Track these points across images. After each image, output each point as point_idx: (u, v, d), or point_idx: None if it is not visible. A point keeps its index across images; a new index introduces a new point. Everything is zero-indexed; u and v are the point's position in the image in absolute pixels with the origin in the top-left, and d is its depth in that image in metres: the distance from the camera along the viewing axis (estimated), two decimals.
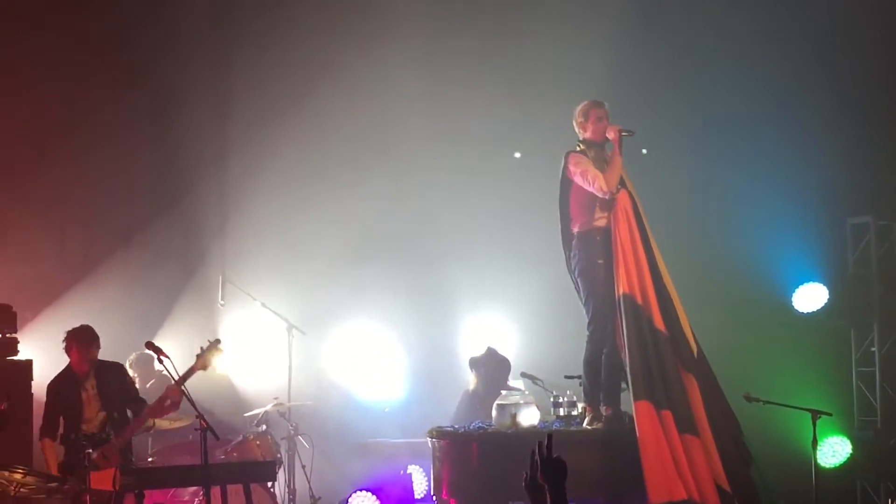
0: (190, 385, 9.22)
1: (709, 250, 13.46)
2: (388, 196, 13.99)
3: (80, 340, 10.05)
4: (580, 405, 10.26)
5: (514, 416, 9.85)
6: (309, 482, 12.41)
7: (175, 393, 9.59)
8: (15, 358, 11.12)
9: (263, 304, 13.04)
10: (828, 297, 13.67)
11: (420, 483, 12.30)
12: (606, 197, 9.80)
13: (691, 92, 13.73)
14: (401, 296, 13.97)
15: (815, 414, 9.88)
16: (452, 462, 9.77)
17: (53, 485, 9.15)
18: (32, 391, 10.96)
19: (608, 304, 9.86)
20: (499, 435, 9.77)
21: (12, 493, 8.96)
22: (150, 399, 10.32)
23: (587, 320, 9.97)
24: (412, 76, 13.68)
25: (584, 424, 9.95)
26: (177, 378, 9.20)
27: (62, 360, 10.21)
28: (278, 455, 12.05)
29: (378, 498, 11.71)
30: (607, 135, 9.93)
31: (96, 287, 13.07)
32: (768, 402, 10.08)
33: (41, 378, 10.81)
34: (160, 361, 9.16)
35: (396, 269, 13.94)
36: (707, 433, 9.64)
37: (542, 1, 14.06)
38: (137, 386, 11.94)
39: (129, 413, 10.12)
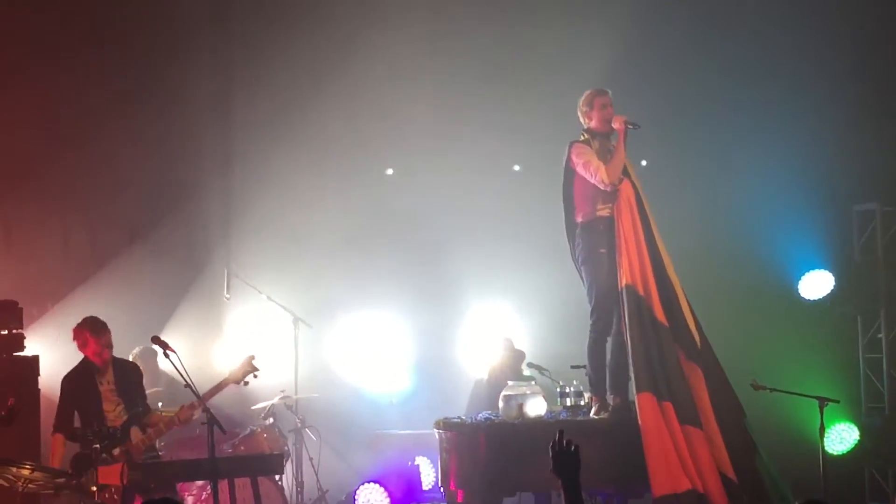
0: (196, 379, 9.17)
1: (714, 238, 13.46)
2: (394, 186, 14.00)
3: (93, 328, 9.97)
4: (587, 395, 10.25)
5: (520, 407, 9.83)
6: (317, 475, 12.43)
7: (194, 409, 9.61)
8: (21, 354, 11.10)
9: (269, 298, 13.04)
10: (834, 284, 13.66)
11: (427, 474, 12.31)
12: (608, 189, 9.78)
13: (697, 81, 13.70)
14: (406, 287, 13.97)
15: (823, 401, 9.88)
16: (460, 453, 9.76)
17: (61, 480, 9.15)
18: (39, 387, 10.93)
19: (611, 293, 9.85)
20: (506, 426, 9.76)
21: (20, 489, 8.96)
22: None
23: (590, 309, 9.96)
24: (418, 65, 13.67)
25: (591, 414, 9.94)
26: (184, 375, 9.13)
27: (68, 356, 10.21)
28: (286, 448, 12.06)
29: (386, 490, 11.72)
30: (613, 124, 9.89)
31: (102, 283, 13.07)
32: (775, 390, 10.09)
33: (47, 374, 10.81)
34: (166, 356, 9.14)
35: (402, 260, 13.94)
36: (712, 424, 9.62)
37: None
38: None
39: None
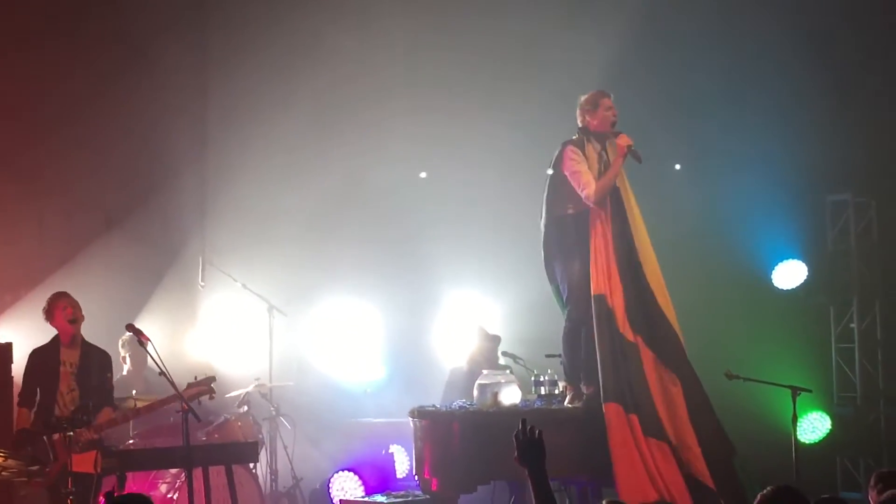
0: (170, 367, 9.15)
1: (688, 228, 13.48)
2: (369, 175, 13.95)
3: (56, 298, 9.91)
4: (561, 384, 10.28)
5: (495, 396, 9.86)
6: (291, 463, 12.43)
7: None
8: None
9: (244, 286, 13.01)
10: (807, 274, 13.74)
11: (402, 463, 12.33)
12: (590, 206, 9.78)
13: (668, 72, 13.71)
14: (381, 276, 13.98)
15: (795, 390, 9.92)
16: (434, 441, 9.77)
17: (35, 468, 9.13)
18: (13, 375, 10.88)
19: (584, 284, 9.86)
20: (480, 414, 9.77)
21: None
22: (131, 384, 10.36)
23: (564, 298, 9.98)
24: (390, 53, 13.66)
25: (565, 403, 9.97)
26: (159, 363, 9.10)
27: (41, 343, 10.15)
28: (260, 436, 12.05)
29: (360, 478, 11.72)
30: (618, 140, 9.82)
31: (77, 270, 12.99)
32: (748, 380, 10.12)
33: (21, 361, 10.77)
34: (141, 344, 9.12)
35: (377, 250, 13.94)
36: (687, 433, 9.60)
37: None
38: (129, 367, 11.96)
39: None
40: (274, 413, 12.49)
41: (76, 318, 9.88)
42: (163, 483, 10.99)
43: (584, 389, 9.96)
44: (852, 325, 13.85)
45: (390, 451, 12.37)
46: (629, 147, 9.74)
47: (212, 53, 13.74)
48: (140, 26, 13.34)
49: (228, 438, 11.42)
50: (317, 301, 13.94)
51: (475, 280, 14.12)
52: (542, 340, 11.25)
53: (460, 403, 10.22)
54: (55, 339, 9.93)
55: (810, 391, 10.33)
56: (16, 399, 10.33)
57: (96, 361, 10.00)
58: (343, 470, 11.82)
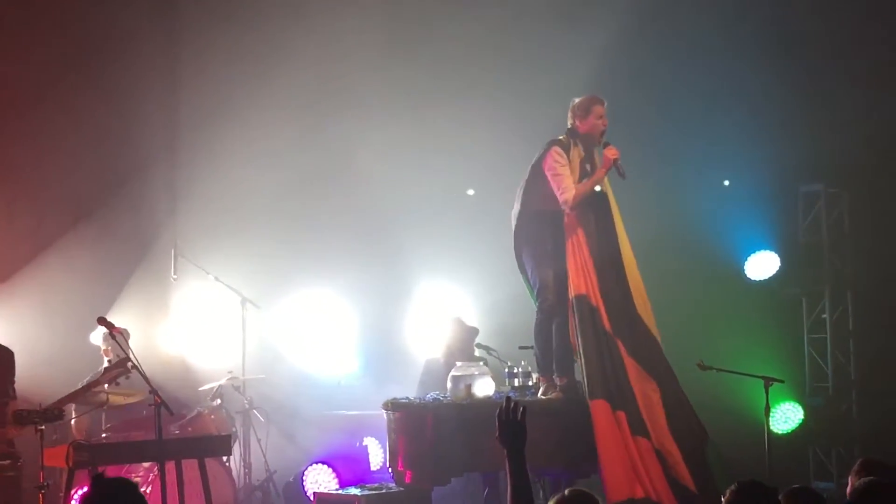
0: (143, 361, 9.13)
1: (661, 220, 13.49)
2: (343, 167, 13.93)
3: None
4: (535, 375, 10.30)
5: (468, 388, 9.86)
6: (264, 456, 12.41)
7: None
8: None
9: (216, 278, 12.97)
10: (779, 265, 13.79)
11: (376, 455, 12.33)
12: (565, 210, 9.80)
13: (640, 65, 13.71)
14: (354, 269, 13.95)
15: (768, 381, 9.96)
16: (408, 434, 9.77)
17: (6, 462, 9.09)
18: None
19: (557, 275, 9.88)
20: (454, 406, 9.77)
21: None
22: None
23: (536, 291, 10.00)
24: (363, 48, 13.61)
25: (539, 394, 9.99)
26: (129, 355, 9.08)
27: (12, 337, 10.10)
28: (233, 429, 12.03)
29: (334, 470, 11.71)
30: (606, 152, 9.83)
31: (48, 264, 12.95)
32: (721, 370, 10.15)
33: None
34: (112, 337, 9.11)
35: (349, 242, 13.92)
36: (665, 437, 9.62)
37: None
38: (109, 359, 11.89)
39: None
40: (247, 406, 12.46)
41: None
42: (136, 477, 10.93)
43: (557, 381, 9.99)
44: (824, 316, 13.91)
45: (364, 443, 12.36)
46: (615, 161, 9.76)
47: (183, 46, 13.67)
48: (110, 19, 13.28)
49: (202, 432, 11.40)
50: (290, 293, 13.91)
51: (448, 272, 14.12)
52: (515, 333, 11.26)
53: (434, 395, 10.24)
54: None
55: (783, 382, 10.37)
56: None
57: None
58: (317, 462, 11.80)
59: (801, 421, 13.63)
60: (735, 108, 13.68)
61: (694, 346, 10.95)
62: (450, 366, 11.05)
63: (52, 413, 9.17)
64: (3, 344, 9.87)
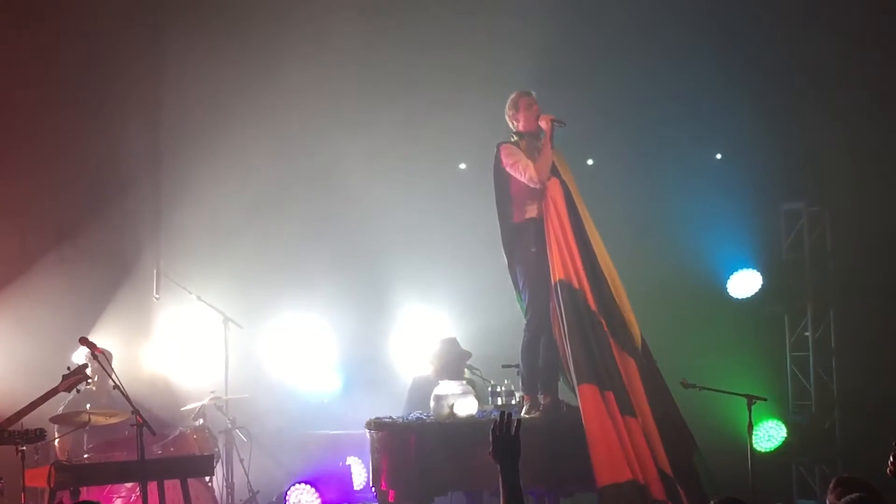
0: (125, 380, 9.11)
1: (643, 238, 13.53)
2: (325, 188, 13.93)
3: None
4: (518, 394, 10.30)
5: (451, 407, 9.86)
6: (247, 476, 12.37)
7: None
8: None
9: (199, 298, 12.94)
10: (762, 282, 13.82)
11: (359, 474, 12.29)
12: (537, 186, 9.87)
13: (622, 81, 13.75)
14: (337, 288, 13.92)
15: (751, 399, 9.99)
16: (391, 453, 9.76)
17: None
18: None
19: (544, 292, 9.93)
20: (437, 425, 9.78)
21: None
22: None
23: (525, 304, 10.02)
24: (346, 67, 13.62)
25: (522, 413, 9.99)
26: (112, 376, 9.05)
27: None
28: (216, 449, 11.98)
29: (317, 490, 11.69)
30: (540, 123, 10.01)
31: (30, 283, 12.92)
32: (704, 388, 10.18)
33: None
34: (94, 357, 9.07)
35: (332, 261, 13.89)
36: (648, 417, 9.71)
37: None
38: (95, 380, 11.83)
39: None
40: (230, 426, 12.43)
41: None
42: (118, 497, 10.91)
43: (541, 399, 10.00)
44: (807, 334, 13.95)
45: (347, 462, 12.33)
46: (553, 120, 9.90)
47: (166, 66, 13.64)
48: (94, 38, 13.26)
49: (184, 451, 11.36)
50: (272, 313, 13.88)
51: (432, 293, 14.09)
52: (497, 354, 11.26)
53: (417, 415, 10.22)
54: None
55: (765, 399, 10.40)
56: None
57: None
58: (300, 482, 11.77)
59: (784, 438, 13.63)
60: (717, 126, 13.72)
61: (677, 365, 10.94)
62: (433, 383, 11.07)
63: (34, 434, 9.13)
64: None
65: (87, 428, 10.90)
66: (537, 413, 9.93)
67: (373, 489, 10.11)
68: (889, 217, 13.16)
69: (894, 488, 6.45)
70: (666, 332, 12.55)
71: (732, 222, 13.54)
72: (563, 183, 10.05)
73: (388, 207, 13.82)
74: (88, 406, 11.10)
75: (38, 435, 9.21)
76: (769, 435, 13.60)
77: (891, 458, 5.91)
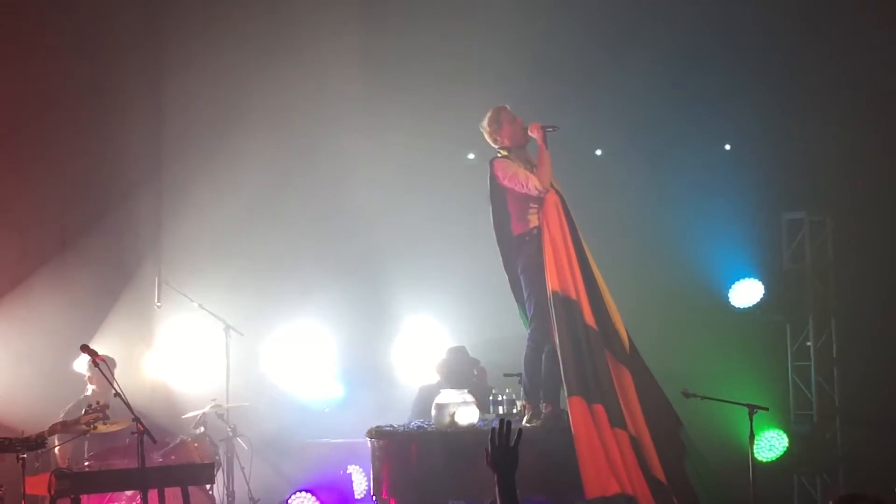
0: (126, 388, 9.12)
1: (645, 247, 13.55)
2: (326, 197, 13.93)
3: None
4: (519, 403, 10.29)
5: (452, 416, 9.85)
6: (248, 484, 12.35)
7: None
8: None
9: (201, 306, 12.94)
10: (763, 292, 13.79)
11: (360, 483, 12.28)
12: (542, 194, 9.86)
13: (620, 88, 13.74)
14: (339, 296, 13.92)
15: (752, 408, 9.97)
16: (392, 462, 9.76)
17: None
18: None
19: (547, 303, 9.91)
20: (438, 434, 9.77)
21: None
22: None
23: (529, 318, 10.02)
24: (347, 75, 13.61)
25: (524, 422, 9.97)
26: (113, 384, 9.05)
27: None
28: (217, 457, 11.96)
29: (318, 499, 11.67)
30: (530, 133, 9.96)
31: (32, 290, 12.92)
32: (706, 398, 10.18)
33: None
34: (95, 365, 9.07)
35: (334, 269, 13.89)
36: (641, 427, 9.71)
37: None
38: (94, 388, 11.83)
39: None
40: (231, 434, 12.41)
41: None
42: None
43: (542, 408, 9.99)
44: (808, 343, 13.93)
45: (348, 471, 12.32)
46: (543, 128, 9.86)
47: (168, 72, 13.65)
48: (96, 45, 13.27)
49: (185, 460, 11.35)
50: (274, 321, 13.88)
51: (433, 302, 14.08)
52: (500, 362, 11.25)
53: (418, 423, 10.22)
54: None
55: (766, 409, 10.37)
56: None
57: None
58: (300, 491, 11.75)
59: (785, 448, 13.61)
60: (718, 135, 13.73)
61: (678, 374, 10.95)
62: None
63: (34, 441, 9.13)
64: None
65: (88, 436, 10.89)
66: (538, 422, 9.92)
67: (374, 498, 10.09)
68: (891, 227, 13.18)
69: None
70: (667, 341, 12.58)
71: (734, 231, 13.53)
72: (559, 192, 10.04)
73: (390, 214, 13.84)
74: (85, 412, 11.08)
75: (39, 443, 9.23)
76: (770, 445, 13.57)
77: None
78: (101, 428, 10.82)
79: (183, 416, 12.35)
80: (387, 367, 14.14)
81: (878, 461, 12.72)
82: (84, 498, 9.61)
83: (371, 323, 14.12)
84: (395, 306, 14.03)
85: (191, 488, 9.85)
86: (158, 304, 13.12)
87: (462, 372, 11.80)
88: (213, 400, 12.32)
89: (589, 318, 9.85)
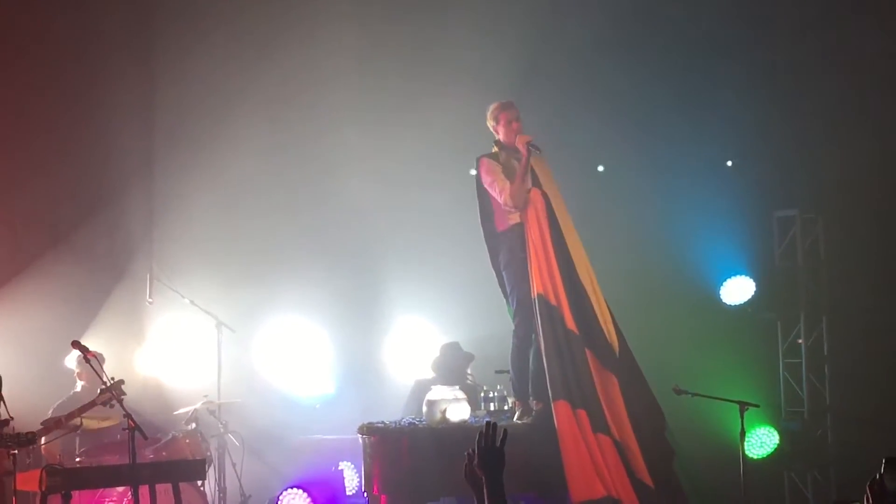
0: None
1: (636, 244, 13.55)
2: (318, 193, 13.93)
3: None
4: (510, 400, 10.31)
5: (444, 412, 9.86)
6: (239, 480, 12.33)
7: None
8: None
9: (192, 302, 12.93)
10: (755, 289, 13.82)
11: (351, 479, 12.29)
12: (511, 211, 9.89)
13: (614, 85, 13.74)
14: (330, 292, 13.91)
15: (743, 405, 9.99)
16: (383, 458, 9.76)
17: None
18: None
19: (530, 299, 9.92)
20: (429, 430, 9.78)
21: None
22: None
23: (513, 311, 10.04)
24: (342, 73, 13.60)
25: (514, 419, 10.00)
26: (103, 378, 9.06)
27: None
28: (208, 453, 11.95)
29: (309, 495, 11.67)
30: (517, 144, 9.97)
31: (22, 286, 12.89)
32: (697, 395, 10.19)
33: None
34: (87, 361, 9.07)
35: (326, 265, 13.87)
36: (626, 431, 9.72)
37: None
38: (84, 384, 11.81)
39: None
40: (222, 430, 12.40)
41: None
42: (109, 502, 10.89)
43: (532, 405, 10.00)
44: (799, 341, 13.95)
45: (339, 467, 12.33)
46: (528, 144, 9.86)
47: (159, 68, 13.63)
48: (88, 43, 13.25)
49: (176, 456, 11.34)
50: (265, 317, 13.87)
51: (424, 298, 14.08)
52: (491, 358, 11.25)
53: (409, 419, 10.22)
54: None
55: (758, 406, 10.39)
56: None
57: None
58: (292, 487, 11.75)
59: (776, 445, 13.63)
60: (710, 132, 13.73)
61: (669, 371, 10.96)
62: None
63: (26, 437, 9.11)
64: None
65: (79, 432, 10.89)
66: (529, 419, 9.94)
67: (365, 494, 10.10)
68: (882, 225, 13.19)
69: None
70: (658, 338, 12.59)
71: (726, 229, 13.54)
72: (544, 194, 10.05)
73: (383, 209, 13.83)
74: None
75: (30, 438, 9.21)
76: (761, 442, 13.60)
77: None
78: (92, 424, 10.83)
79: (174, 413, 12.33)
80: (378, 363, 14.14)
81: (868, 458, 12.71)
82: (75, 494, 9.60)
83: (363, 319, 14.12)
84: (386, 302, 14.02)
85: (182, 484, 9.85)
86: (150, 300, 13.09)
87: (457, 367, 11.82)
88: (205, 396, 12.31)
89: (570, 323, 9.87)
